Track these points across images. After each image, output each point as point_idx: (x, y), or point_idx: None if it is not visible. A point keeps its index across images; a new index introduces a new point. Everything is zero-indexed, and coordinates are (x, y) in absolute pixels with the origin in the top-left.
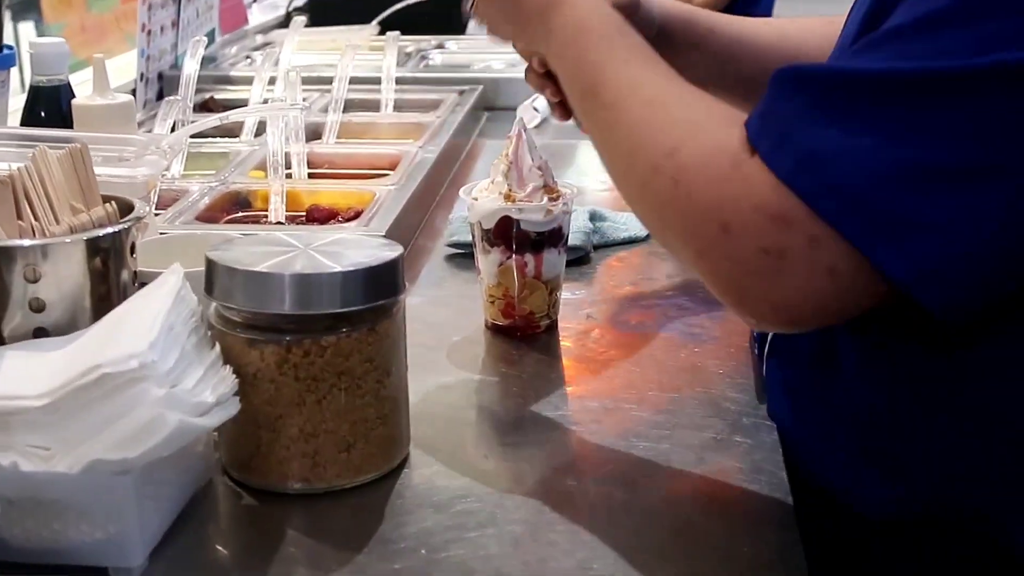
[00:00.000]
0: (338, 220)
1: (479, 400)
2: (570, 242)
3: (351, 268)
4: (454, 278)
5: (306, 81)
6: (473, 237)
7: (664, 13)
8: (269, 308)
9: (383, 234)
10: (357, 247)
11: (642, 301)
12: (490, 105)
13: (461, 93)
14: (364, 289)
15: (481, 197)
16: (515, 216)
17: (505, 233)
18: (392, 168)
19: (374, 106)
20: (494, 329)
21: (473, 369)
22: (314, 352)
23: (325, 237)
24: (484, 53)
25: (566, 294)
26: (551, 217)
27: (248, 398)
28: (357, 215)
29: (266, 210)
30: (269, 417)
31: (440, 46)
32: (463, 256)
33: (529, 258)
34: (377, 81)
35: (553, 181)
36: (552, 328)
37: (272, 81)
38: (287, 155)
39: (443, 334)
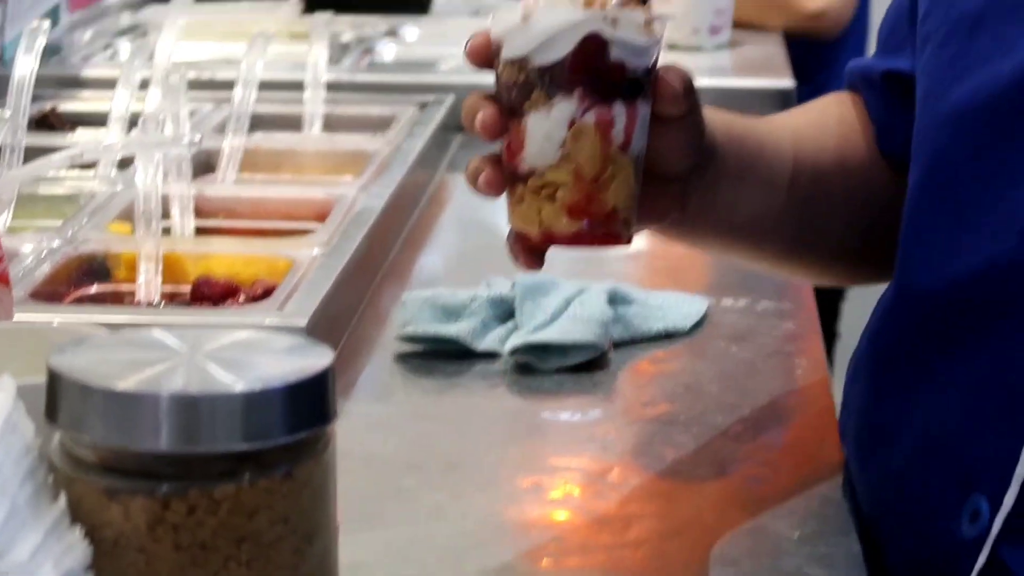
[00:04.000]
0: (238, 300)
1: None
2: (580, 336)
3: (259, 386)
4: (408, 389)
5: (195, 85)
6: (503, 86)
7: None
8: (138, 444)
9: (304, 325)
10: (266, 351)
11: (683, 427)
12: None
13: (423, 107)
14: (277, 417)
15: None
16: (607, 35)
17: (589, 65)
18: (320, 220)
19: (294, 124)
20: (542, 242)
21: (434, 526)
22: (203, 508)
23: (220, 337)
24: (456, 43)
25: (566, 414)
26: (651, 40)
27: (106, 574)
28: (267, 293)
29: (133, 282)
30: None
31: (392, 33)
32: (421, 357)
33: (619, 111)
34: (299, 86)
35: None
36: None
37: (145, 85)
38: (164, 200)
39: (390, 475)
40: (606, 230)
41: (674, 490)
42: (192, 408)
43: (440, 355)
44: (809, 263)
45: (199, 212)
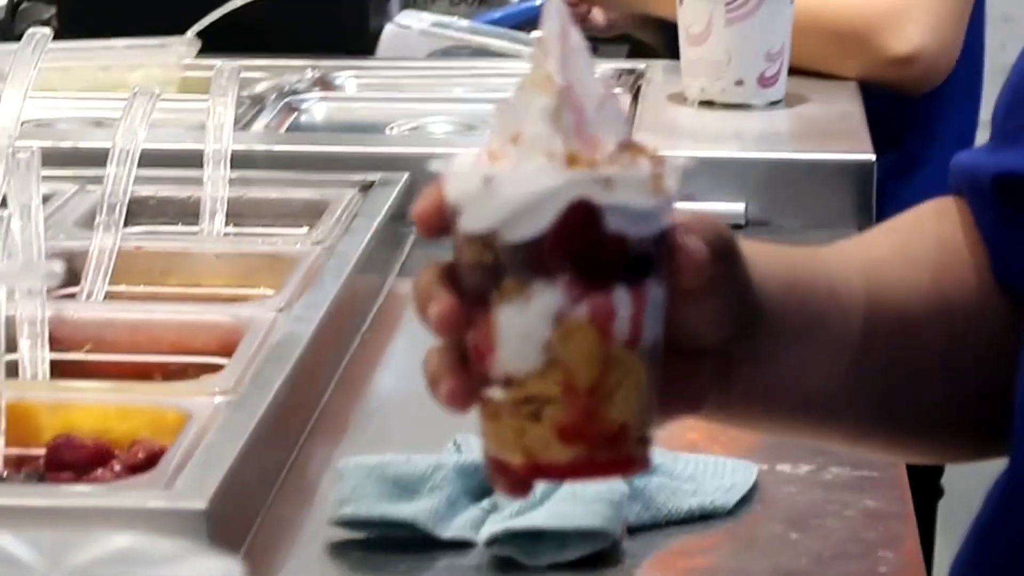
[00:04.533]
0: (112, 470)
1: None
2: (582, 520)
3: None
4: None
5: (53, 159)
6: (464, 266)
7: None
8: None
9: (202, 508)
10: (150, 567)
11: None
12: None
13: (366, 189)
14: None
15: (486, 168)
16: (600, 200)
17: (577, 242)
18: (224, 354)
19: (188, 215)
20: (528, 474)
21: None
22: None
23: (89, 546)
24: (417, 100)
25: None
26: (661, 201)
27: None
28: (151, 459)
29: None
30: None
31: (324, 83)
32: (364, 548)
33: (622, 298)
34: (196, 161)
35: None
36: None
37: None
38: (9, 325)
39: None
40: (614, 455)
41: None
42: None
43: (390, 546)
44: (897, 439)
45: (56, 343)
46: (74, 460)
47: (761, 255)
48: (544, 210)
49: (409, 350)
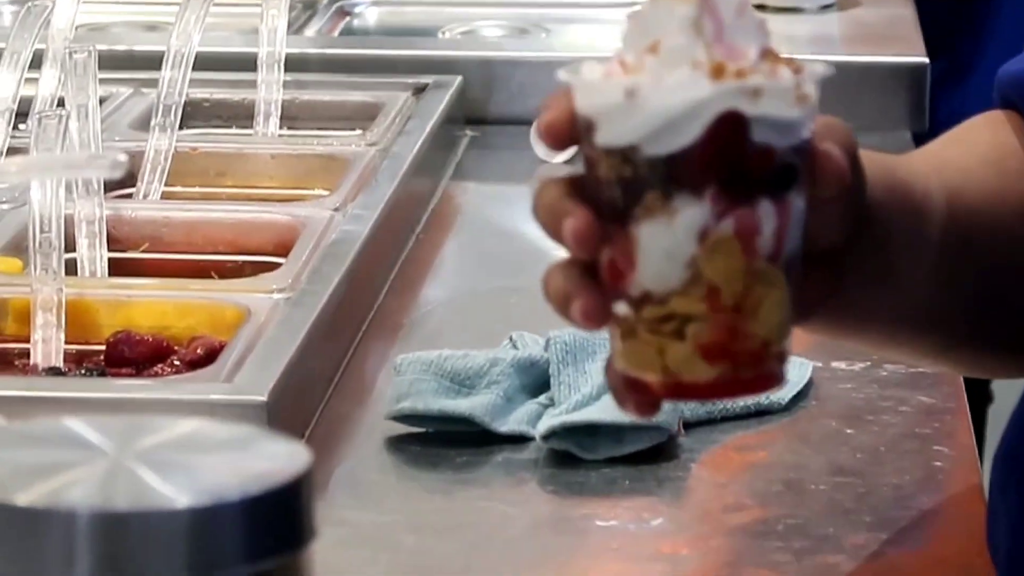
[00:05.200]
0: (171, 365)
1: None
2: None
3: (209, 500)
4: (403, 488)
5: (107, 63)
6: (600, 181)
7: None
8: (46, 574)
9: (262, 401)
10: (217, 449)
11: (781, 540)
12: (477, 115)
13: (419, 91)
14: (234, 540)
15: (626, 78)
16: (749, 112)
17: (726, 155)
18: (281, 253)
19: (243, 116)
20: (667, 393)
21: None
22: None
23: (157, 430)
24: (469, 3)
25: (619, 523)
26: (806, 112)
27: None
28: (210, 355)
29: (26, 341)
30: None
31: None
32: (421, 443)
33: (767, 212)
34: (250, 64)
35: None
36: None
37: (37, 63)
38: (67, 224)
39: None
40: (756, 372)
41: None
42: (121, 529)
43: (448, 440)
44: (991, 350)
45: (114, 241)
46: (134, 356)
47: (864, 158)
48: (692, 123)
49: (463, 251)
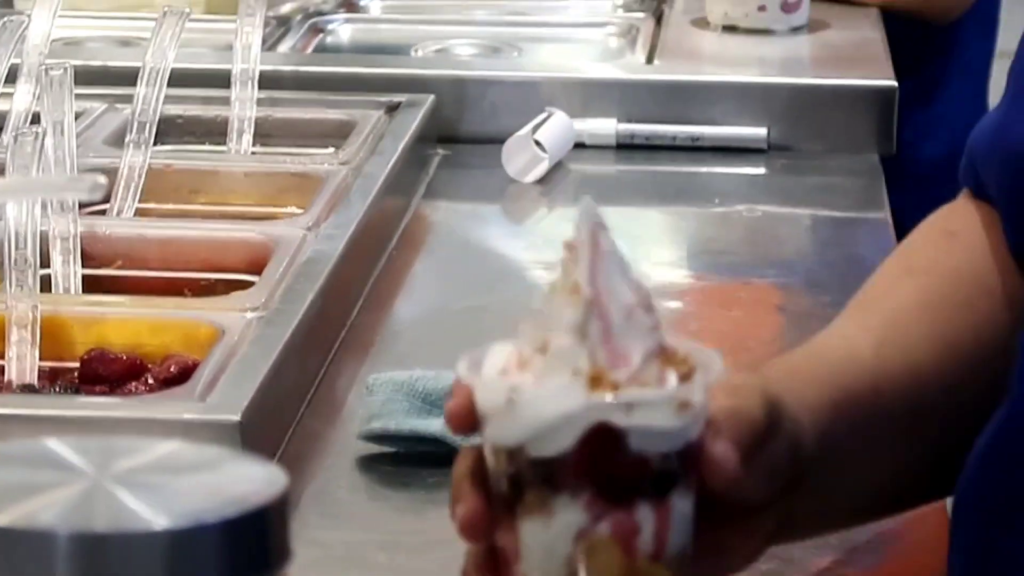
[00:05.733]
0: (144, 384)
1: None
2: None
3: (188, 522)
4: (374, 508)
5: (82, 78)
6: (491, 472)
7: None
8: None
9: (236, 420)
10: (194, 471)
11: (748, 567)
12: (450, 133)
13: (391, 110)
14: (211, 562)
15: (511, 380)
16: (621, 424)
17: (598, 465)
18: (254, 271)
19: (216, 132)
20: None
21: None
22: None
23: (135, 452)
24: (442, 22)
25: None
26: (688, 420)
27: None
28: (183, 374)
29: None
30: None
31: (350, 5)
32: (393, 462)
33: (646, 515)
34: (223, 81)
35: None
36: None
37: (11, 78)
38: (42, 241)
39: None
40: None
41: None
42: (99, 551)
43: (419, 460)
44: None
45: (89, 259)
46: (108, 373)
47: (801, 383)
48: (566, 431)
49: (435, 269)
